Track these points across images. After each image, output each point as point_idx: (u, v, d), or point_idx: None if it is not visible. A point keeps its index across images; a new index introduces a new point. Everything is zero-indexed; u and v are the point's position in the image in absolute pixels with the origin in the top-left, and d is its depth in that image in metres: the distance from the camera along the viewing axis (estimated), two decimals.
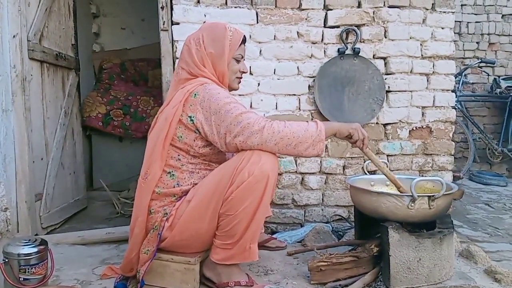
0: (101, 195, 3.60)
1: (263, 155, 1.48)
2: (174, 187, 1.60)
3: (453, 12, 2.51)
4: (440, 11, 2.50)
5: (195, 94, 1.55)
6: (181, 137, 1.57)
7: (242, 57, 1.73)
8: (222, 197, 1.49)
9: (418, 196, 1.58)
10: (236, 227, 1.50)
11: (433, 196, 1.60)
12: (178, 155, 1.60)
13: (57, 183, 2.71)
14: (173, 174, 1.60)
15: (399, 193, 1.70)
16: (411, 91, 2.53)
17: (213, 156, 1.64)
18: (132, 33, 4.71)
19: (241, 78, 1.75)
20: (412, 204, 1.59)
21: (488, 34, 5.07)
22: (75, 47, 3.06)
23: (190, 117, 1.55)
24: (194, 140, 1.58)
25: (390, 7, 2.47)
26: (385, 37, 2.48)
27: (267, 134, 1.46)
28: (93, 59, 4.50)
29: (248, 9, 2.40)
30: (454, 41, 4.99)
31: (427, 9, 2.49)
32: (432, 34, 2.50)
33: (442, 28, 2.51)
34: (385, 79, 2.50)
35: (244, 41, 1.71)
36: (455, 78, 4.53)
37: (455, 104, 4.36)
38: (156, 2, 2.42)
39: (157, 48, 2.50)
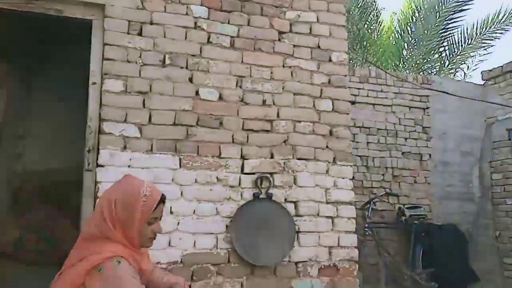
0: None
1: None
2: None
3: (351, 165, 2.92)
4: (341, 164, 2.90)
5: (100, 269, 1.54)
6: None
7: (158, 218, 1.73)
8: None
9: None
10: None
11: None
12: None
13: None
14: None
15: None
16: (318, 232, 2.79)
17: None
18: (58, 154, 4.72)
19: (154, 238, 1.75)
20: None
21: (392, 167, 5.76)
22: None
23: None
24: None
25: (298, 159, 2.83)
26: (295, 184, 2.80)
27: None
28: (13, 179, 4.39)
29: (172, 155, 2.62)
30: (363, 173, 5.66)
31: (330, 162, 2.88)
32: (334, 183, 2.86)
33: (343, 178, 2.89)
34: (295, 221, 2.75)
35: (162, 201, 1.74)
36: (366, 205, 5.00)
37: (366, 230, 4.78)
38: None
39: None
